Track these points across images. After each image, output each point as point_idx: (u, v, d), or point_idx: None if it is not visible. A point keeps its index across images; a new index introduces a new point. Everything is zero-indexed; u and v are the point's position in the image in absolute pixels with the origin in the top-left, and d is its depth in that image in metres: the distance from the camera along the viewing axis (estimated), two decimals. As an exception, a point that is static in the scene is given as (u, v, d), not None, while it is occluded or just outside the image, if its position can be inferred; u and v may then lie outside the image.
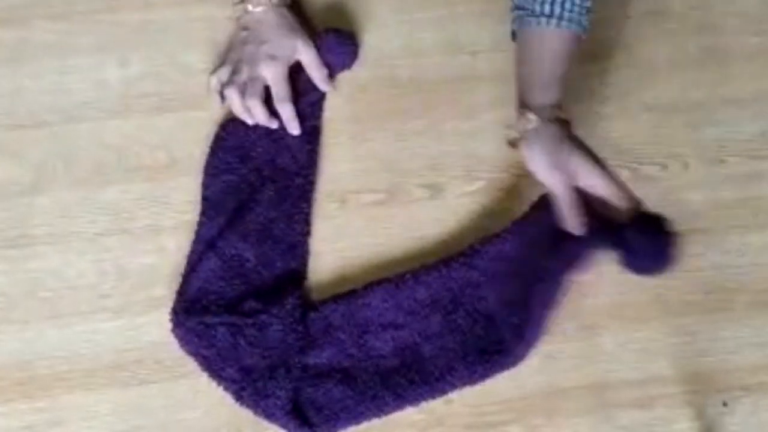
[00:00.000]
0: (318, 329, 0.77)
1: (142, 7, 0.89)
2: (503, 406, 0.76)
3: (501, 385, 0.76)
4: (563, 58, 0.75)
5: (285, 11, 0.85)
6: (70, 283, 0.79)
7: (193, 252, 0.80)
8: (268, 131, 0.84)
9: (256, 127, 0.84)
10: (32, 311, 0.78)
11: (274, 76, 0.83)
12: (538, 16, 0.74)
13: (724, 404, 0.75)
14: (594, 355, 0.77)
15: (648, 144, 0.84)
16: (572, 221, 0.73)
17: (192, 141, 0.84)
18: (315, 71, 0.85)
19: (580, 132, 0.85)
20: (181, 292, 0.79)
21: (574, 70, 0.86)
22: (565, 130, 0.74)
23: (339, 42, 0.86)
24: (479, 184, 0.83)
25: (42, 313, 0.78)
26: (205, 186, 0.83)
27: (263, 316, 0.77)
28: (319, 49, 0.86)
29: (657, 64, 0.87)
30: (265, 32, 0.83)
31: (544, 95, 0.74)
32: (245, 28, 0.84)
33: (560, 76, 0.75)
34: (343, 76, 0.87)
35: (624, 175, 0.83)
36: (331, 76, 0.86)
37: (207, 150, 0.84)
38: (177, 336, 0.77)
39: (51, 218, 0.82)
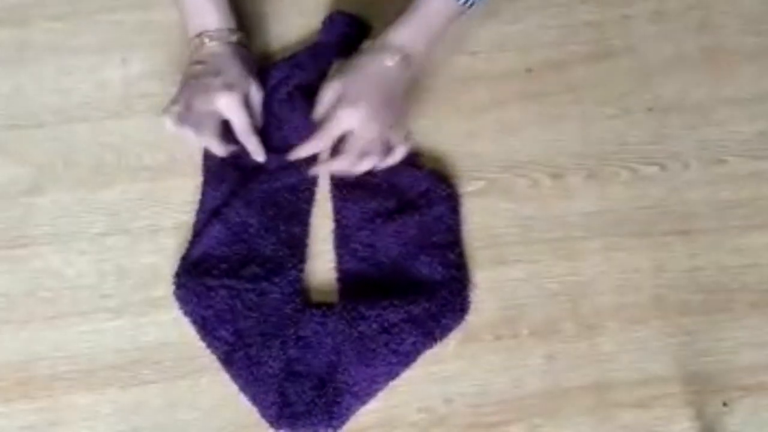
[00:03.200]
0: (311, 328, 0.77)
1: (142, 7, 0.89)
2: (503, 406, 0.75)
3: (501, 385, 0.76)
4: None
5: (241, 48, 0.82)
6: (70, 283, 0.79)
7: (197, 221, 0.81)
8: (266, 104, 0.83)
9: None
10: (32, 311, 0.78)
11: (229, 105, 0.79)
12: None
13: (724, 404, 0.75)
14: (594, 355, 0.77)
15: (648, 144, 0.84)
16: None
17: (192, 141, 0.84)
18: (254, 118, 0.82)
19: (581, 132, 0.85)
20: (185, 257, 0.79)
21: (574, 69, 0.87)
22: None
23: (346, 25, 0.86)
24: (479, 184, 0.83)
25: (42, 313, 0.78)
26: (206, 156, 0.83)
27: (264, 283, 0.77)
28: (324, 30, 0.85)
29: (657, 64, 0.87)
30: (220, 64, 0.80)
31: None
32: (200, 62, 0.80)
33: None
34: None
35: (624, 175, 0.83)
36: (337, 57, 0.85)
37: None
38: (177, 297, 0.77)
39: (51, 218, 0.82)
